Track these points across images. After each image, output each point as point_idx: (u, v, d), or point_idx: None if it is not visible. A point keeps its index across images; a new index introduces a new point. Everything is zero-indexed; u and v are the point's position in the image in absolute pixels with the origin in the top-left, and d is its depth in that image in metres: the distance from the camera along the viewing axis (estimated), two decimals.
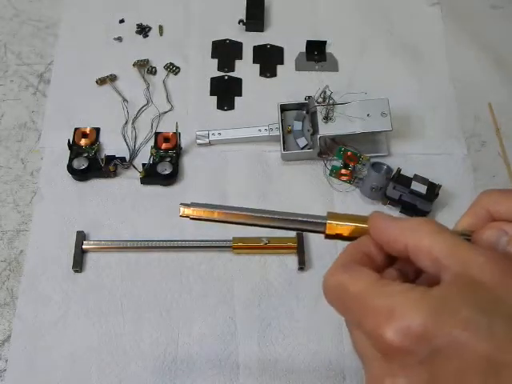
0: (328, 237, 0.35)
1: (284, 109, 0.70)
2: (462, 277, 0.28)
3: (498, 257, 0.28)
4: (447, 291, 0.27)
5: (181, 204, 0.35)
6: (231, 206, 0.35)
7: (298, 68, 0.77)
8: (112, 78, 0.75)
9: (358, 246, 0.33)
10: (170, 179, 0.67)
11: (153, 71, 0.76)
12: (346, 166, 0.68)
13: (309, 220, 0.35)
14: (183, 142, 0.70)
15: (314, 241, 0.64)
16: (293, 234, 0.62)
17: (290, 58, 0.78)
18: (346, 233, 0.34)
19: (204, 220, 0.35)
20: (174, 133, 0.69)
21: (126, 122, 0.72)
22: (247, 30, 0.80)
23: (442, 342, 0.26)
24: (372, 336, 0.28)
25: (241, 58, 0.78)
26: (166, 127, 0.71)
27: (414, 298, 0.27)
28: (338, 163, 0.69)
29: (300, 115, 0.69)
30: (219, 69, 0.77)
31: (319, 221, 0.34)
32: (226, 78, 0.76)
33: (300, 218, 0.35)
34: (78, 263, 0.62)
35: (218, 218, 0.35)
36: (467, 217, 0.35)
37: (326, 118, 0.67)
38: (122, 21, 0.80)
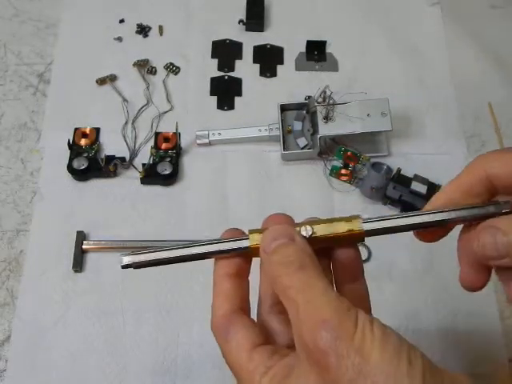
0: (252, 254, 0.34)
1: (284, 109, 0.70)
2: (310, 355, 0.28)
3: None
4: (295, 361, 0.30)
5: (121, 255, 0.34)
6: (171, 247, 0.35)
7: (298, 68, 0.77)
8: (112, 78, 0.75)
9: (238, 288, 0.34)
10: (170, 179, 0.67)
11: (153, 71, 0.76)
12: (346, 166, 0.68)
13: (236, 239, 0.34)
14: (183, 142, 0.70)
15: None
16: None
17: (290, 58, 0.78)
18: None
19: (146, 266, 0.35)
20: (174, 133, 0.69)
21: (126, 122, 0.72)
22: (247, 29, 0.80)
23: None
24: None
25: (241, 58, 0.78)
26: (166, 127, 0.71)
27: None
28: (338, 163, 0.69)
29: (300, 115, 0.69)
30: (219, 69, 0.77)
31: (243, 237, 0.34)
32: (226, 77, 0.76)
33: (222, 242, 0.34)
34: (78, 263, 0.62)
35: (157, 260, 0.34)
36: (464, 175, 0.35)
37: (326, 118, 0.67)
38: (122, 21, 0.80)
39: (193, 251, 0.34)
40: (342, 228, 0.33)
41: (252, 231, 0.34)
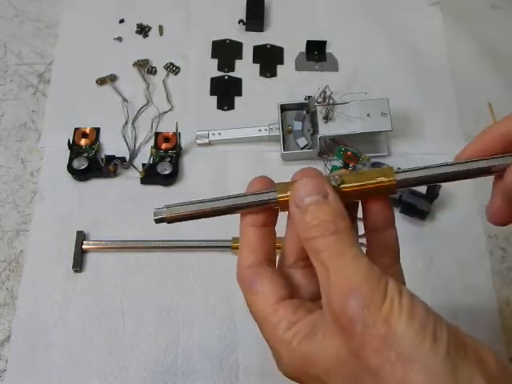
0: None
1: (284, 109, 0.70)
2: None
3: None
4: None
5: (155, 210, 0.34)
6: (202, 200, 0.35)
7: (298, 68, 0.77)
8: (112, 78, 0.75)
9: (264, 240, 0.34)
10: (170, 179, 0.67)
11: (153, 71, 0.76)
12: (346, 166, 0.68)
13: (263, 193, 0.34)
14: (183, 142, 0.70)
15: None
16: None
17: (290, 58, 0.78)
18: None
19: (180, 220, 0.35)
20: (174, 133, 0.69)
21: (126, 122, 0.72)
22: (247, 30, 0.80)
23: None
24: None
25: (241, 58, 0.78)
26: (166, 127, 0.71)
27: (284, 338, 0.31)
28: (338, 163, 0.69)
29: (300, 115, 0.69)
30: (219, 69, 0.77)
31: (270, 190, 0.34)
32: (226, 78, 0.76)
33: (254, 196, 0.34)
34: (78, 263, 0.62)
35: (195, 214, 0.35)
36: (496, 128, 0.35)
37: (326, 118, 0.67)
38: (122, 21, 0.80)
39: (219, 204, 0.34)
40: (372, 177, 0.33)
41: (280, 184, 0.34)
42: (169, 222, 0.35)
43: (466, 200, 0.66)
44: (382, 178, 0.33)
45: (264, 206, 0.34)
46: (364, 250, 0.34)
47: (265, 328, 0.32)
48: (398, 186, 0.33)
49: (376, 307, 0.27)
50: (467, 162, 0.35)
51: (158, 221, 0.34)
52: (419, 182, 0.35)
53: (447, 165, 0.35)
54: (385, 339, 0.27)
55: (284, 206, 0.33)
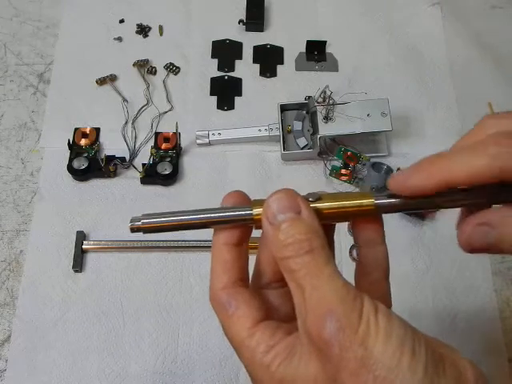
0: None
1: (284, 109, 0.70)
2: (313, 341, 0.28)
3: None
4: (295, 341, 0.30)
5: (132, 218, 0.33)
6: (178, 212, 0.34)
7: (298, 68, 0.77)
8: (112, 78, 0.75)
9: (238, 259, 0.33)
10: (170, 179, 0.67)
11: (153, 71, 0.76)
12: (345, 166, 0.68)
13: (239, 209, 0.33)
14: (183, 142, 0.70)
15: None
16: None
17: (290, 58, 0.78)
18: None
19: (156, 231, 0.34)
20: (174, 133, 0.69)
21: (126, 122, 0.72)
22: (247, 30, 0.80)
23: None
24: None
25: (241, 58, 0.78)
26: (166, 127, 0.71)
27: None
28: (338, 163, 0.69)
29: (300, 115, 0.69)
30: (219, 69, 0.77)
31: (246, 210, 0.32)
32: (226, 77, 0.76)
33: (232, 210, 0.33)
34: (78, 263, 0.62)
35: (169, 226, 0.34)
36: (472, 135, 0.34)
37: (326, 118, 0.67)
38: (122, 21, 0.80)
39: (193, 218, 0.33)
40: (351, 198, 0.32)
41: (255, 202, 0.33)
42: (144, 232, 0.34)
43: None
44: (362, 201, 0.32)
45: (240, 222, 0.33)
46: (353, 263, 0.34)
47: (242, 352, 0.31)
48: (379, 210, 0.32)
49: (352, 330, 0.27)
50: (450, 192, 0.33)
51: (133, 230, 0.33)
52: (400, 208, 0.33)
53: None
54: (361, 362, 0.26)
55: (259, 223, 0.32)
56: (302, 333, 0.29)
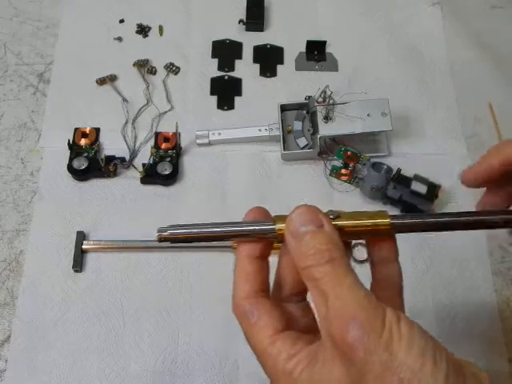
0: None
1: (284, 109, 0.70)
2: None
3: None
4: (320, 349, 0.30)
5: (159, 228, 0.35)
6: (203, 224, 0.35)
7: (298, 68, 0.77)
8: (112, 78, 0.75)
9: (259, 271, 0.34)
10: (170, 179, 0.67)
11: (153, 71, 0.76)
12: (345, 166, 0.68)
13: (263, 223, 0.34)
14: (183, 142, 0.70)
15: None
16: None
17: (290, 57, 0.78)
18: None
19: (182, 242, 0.35)
20: (174, 133, 0.69)
21: (126, 122, 0.72)
22: (247, 30, 0.80)
23: None
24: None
25: (241, 58, 0.78)
26: (166, 127, 0.71)
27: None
28: (338, 163, 0.69)
29: (300, 115, 0.69)
30: (219, 69, 0.77)
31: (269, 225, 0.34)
32: (226, 77, 0.76)
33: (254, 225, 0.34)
34: (78, 263, 0.62)
35: (195, 238, 0.35)
36: (489, 158, 0.36)
37: (326, 118, 0.67)
38: (122, 21, 0.80)
39: (219, 231, 0.35)
40: (367, 217, 0.34)
41: (277, 217, 0.34)
42: (172, 242, 0.35)
43: (466, 200, 0.66)
44: (378, 221, 0.34)
45: (263, 236, 0.34)
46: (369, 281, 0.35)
47: (264, 360, 0.32)
48: (394, 230, 0.34)
49: (376, 334, 0.28)
50: (461, 213, 0.36)
51: (160, 240, 0.35)
52: (415, 228, 0.35)
53: (447, 214, 0.36)
54: (386, 366, 0.27)
55: (282, 237, 0.34)
56: (326, 338, 0.30)
